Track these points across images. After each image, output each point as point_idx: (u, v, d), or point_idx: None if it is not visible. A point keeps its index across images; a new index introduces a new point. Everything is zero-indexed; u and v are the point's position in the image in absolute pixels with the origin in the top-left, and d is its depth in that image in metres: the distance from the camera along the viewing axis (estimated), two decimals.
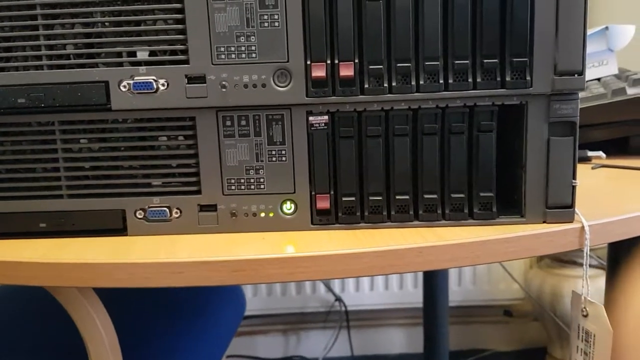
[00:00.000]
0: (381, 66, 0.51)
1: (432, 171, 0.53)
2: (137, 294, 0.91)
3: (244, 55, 0.51)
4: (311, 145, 0.53)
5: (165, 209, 0.55)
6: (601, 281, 0.66)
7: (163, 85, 0.52)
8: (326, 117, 0.53)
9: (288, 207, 0.54)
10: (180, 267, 0.48)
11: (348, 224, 0.54)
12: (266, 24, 0.51)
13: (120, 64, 0.52)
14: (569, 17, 0.49)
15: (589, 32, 0.88)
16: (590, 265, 1.33)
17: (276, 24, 0.51)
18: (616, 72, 0.90)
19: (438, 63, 0.51)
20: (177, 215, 0.55)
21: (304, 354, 1.68)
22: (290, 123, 0.53)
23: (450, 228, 0.53)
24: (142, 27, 0.52)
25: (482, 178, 0.53)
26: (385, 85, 0.51)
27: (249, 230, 0.55)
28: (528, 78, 0.51)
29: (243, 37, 0.51)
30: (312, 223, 0.54)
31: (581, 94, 0.53)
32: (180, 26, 0.51)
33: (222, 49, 0.51)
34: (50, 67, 0.53)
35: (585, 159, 0.78)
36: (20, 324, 0.84)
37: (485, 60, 0.51)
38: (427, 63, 0.51)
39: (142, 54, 0.52)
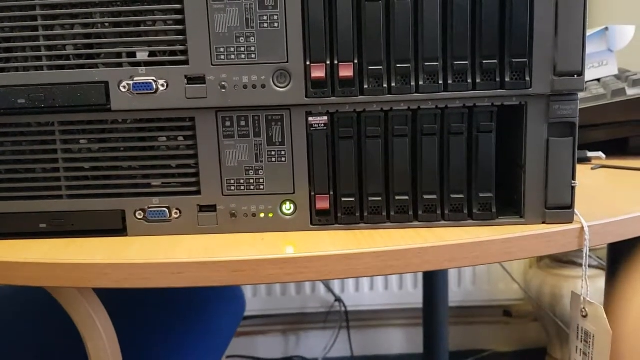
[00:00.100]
0: (381, 67, 0.51)
1: (432, 172, 0.53)
2: (137, 295, 0.91)
3: (243, 56, 0.51)
4: (311, 145, 0.53)
5: (164, 209, 0.55)
6: (601, 282, 0.66)
7: (163, 85, 0.52)
8: (326, 117, 0.53)
9: (288, 207, 0.54)
10: (179, 268, 0.48)
11: (348, 224, 0.54)
12: (266, 25, 0.51)
13: (120, 65, 0.52)
14: (569, 18, 0.49)
15: (589, 32, 0.88)
16: (590, 266, 1.33)
17: (276, 24, 0.51)
18: (616, 72, 0.90)
19: (437, 64, 0.51)
20: (176, 216, 0.55)
21: (303, 355, 1.68)
22: (290, 124, 0.53)
23: (449, 228, 0.53)
24: (142, 28, 0.52)
25: (481, 179, 0.53)
26: (385, 85, 0.51)
27: (248, 230, 0.55)
28: (527, 79, 0.51)
29: (243, 38, 0.51)
30: (312, 223, 0.54)
31: (581, 95, 0.53)
32: (179, 27, 0.52)
33: (222, 50, 0.51)
34: (50, 67, 0.53)
35: (585, 160, 0.78)
36: (20, 325, 0.84)
37: (485, 61, 0.51)
38: (426, 64, 0.51)
39: (142, 55, 0.53)
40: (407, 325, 1.68)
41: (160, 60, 0.52)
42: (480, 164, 0.53)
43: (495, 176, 0.53)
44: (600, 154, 0.77)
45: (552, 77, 0.50)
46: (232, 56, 0.51)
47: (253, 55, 0.51)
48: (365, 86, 0.51)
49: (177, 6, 0.51)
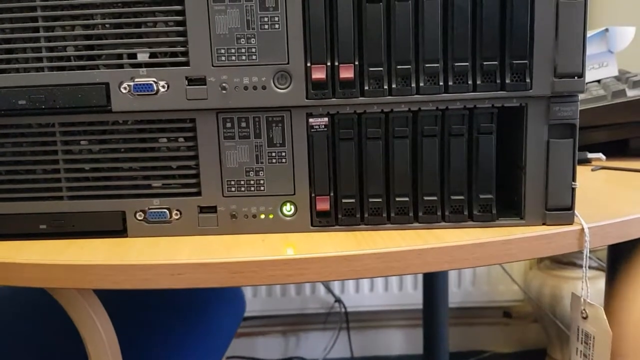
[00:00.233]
0: (381, 68, 0.51)
1: (432, 173, 0.53)
2: (137, 295, 0.91)
3: (244, 57, 0.51)
4: (311, 147, 0.53)
5: (165, 210, 0.55)
6: (601, 283, 0.66)
7: (163, 87, 0.52)
8: (326, 119, 0.53)
9: (288, 208, 0.54)
10: (180, 269, 0.48)
11: (348, 225, 0.54)
12: (266, 26, 0.51)
13: (121, 66, 0.52)
14: (569, 19, 0.49)
15: (589, 33, 0.88)
16: (590, 267, 1.33)
17: (276, 26, 0.51)
18: (616, 73, 0.90)
19: (438, 65, 0.51)
20: (177, 217, 0.55)
21: (303, 356, 1.68)
22: (290, 125, 0.53)
23: (450, 230, 0.53)
24: (143, 29, 0.52)
25: (481, 180, 0.53)
26: (385, 87, 0.51)
27: (248, 232, 0.55)
28: (528, 80, 0.51)
29: (243, 39, 0.51)
30: (312, 225, 0.54)
31: (581, 96, 0.53)
32: (180, 28, 0.52)
33: (223, 51, 0.51)
34: (51, 68, 0.53)
35: (585, 161, 0.78)
36: (21, 325, 0.84)
37: (485, 63, 0.51)
38: (427, 65, 0.51)
39: (143, 56, 0.53)
40: (407, 326, 1.68)
41: (161, 62, 0.52)
42: (480, 165, 0.53)
43: (496, 177, 0.53)
44: (601, 155, 0.77)
45: (552, 79, 0.50)
46: (233, 57, 0.51)
47: (254, 57, 0.51)
48: (366, 87, 0.51)
49: (178, 7, 0.51)
